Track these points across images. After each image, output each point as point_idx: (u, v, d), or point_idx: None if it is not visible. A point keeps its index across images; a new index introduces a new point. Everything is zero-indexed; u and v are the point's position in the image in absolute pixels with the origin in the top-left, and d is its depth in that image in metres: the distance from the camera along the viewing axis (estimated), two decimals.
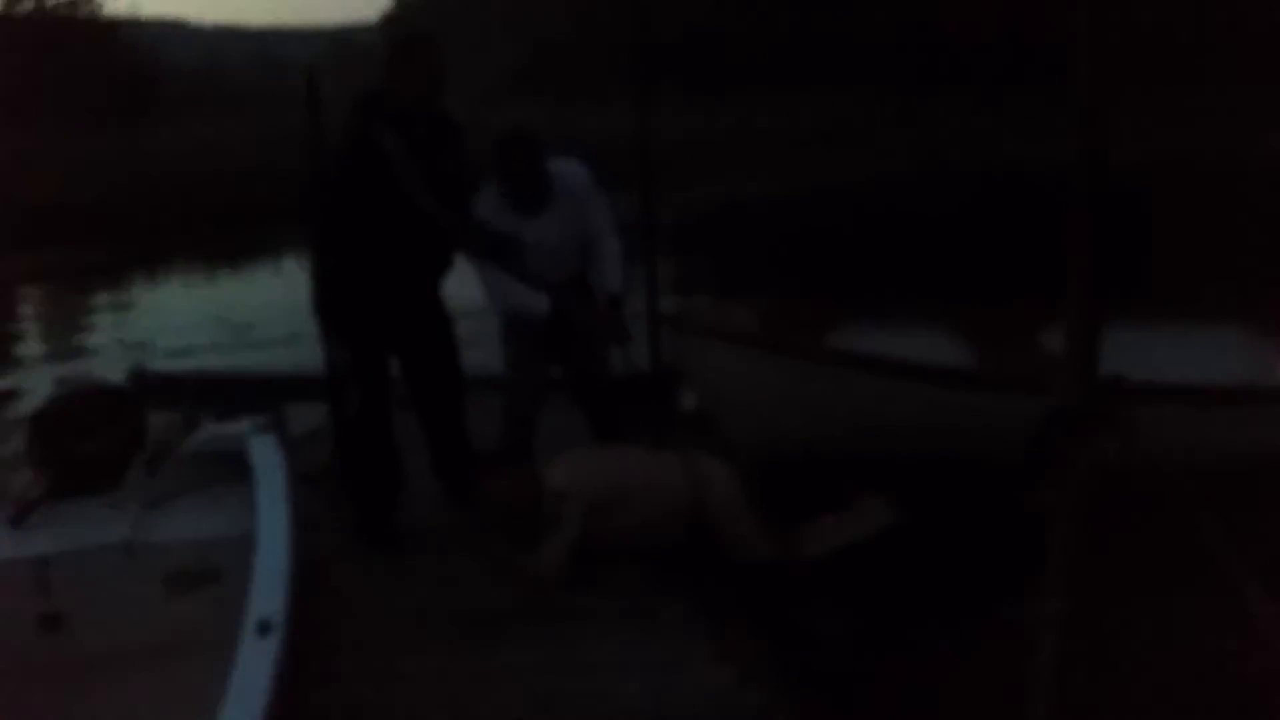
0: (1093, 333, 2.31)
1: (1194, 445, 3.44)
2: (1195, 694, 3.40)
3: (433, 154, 4.76)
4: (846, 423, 5.32)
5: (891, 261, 12.06)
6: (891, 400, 5.20)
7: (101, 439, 4.53)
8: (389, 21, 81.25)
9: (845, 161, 21.39)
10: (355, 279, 4.80)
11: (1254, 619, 2.34)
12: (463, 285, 5.23)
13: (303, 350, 6.75)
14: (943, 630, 4.22)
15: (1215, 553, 2.30)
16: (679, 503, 4.75)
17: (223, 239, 17.12)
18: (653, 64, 5.94)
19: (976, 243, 13.44)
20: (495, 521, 4.85)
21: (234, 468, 4.44)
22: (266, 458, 4.39)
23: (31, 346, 12.20)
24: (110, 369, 8.82)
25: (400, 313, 4.94)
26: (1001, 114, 26.82)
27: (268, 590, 3.40)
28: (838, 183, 19.81)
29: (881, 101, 28.43)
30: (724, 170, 21.21)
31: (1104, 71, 2.25)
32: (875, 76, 31.15)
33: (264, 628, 3.18)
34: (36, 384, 8.40)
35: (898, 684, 3.99)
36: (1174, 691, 3.40)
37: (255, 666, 3.01)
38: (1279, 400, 5.40)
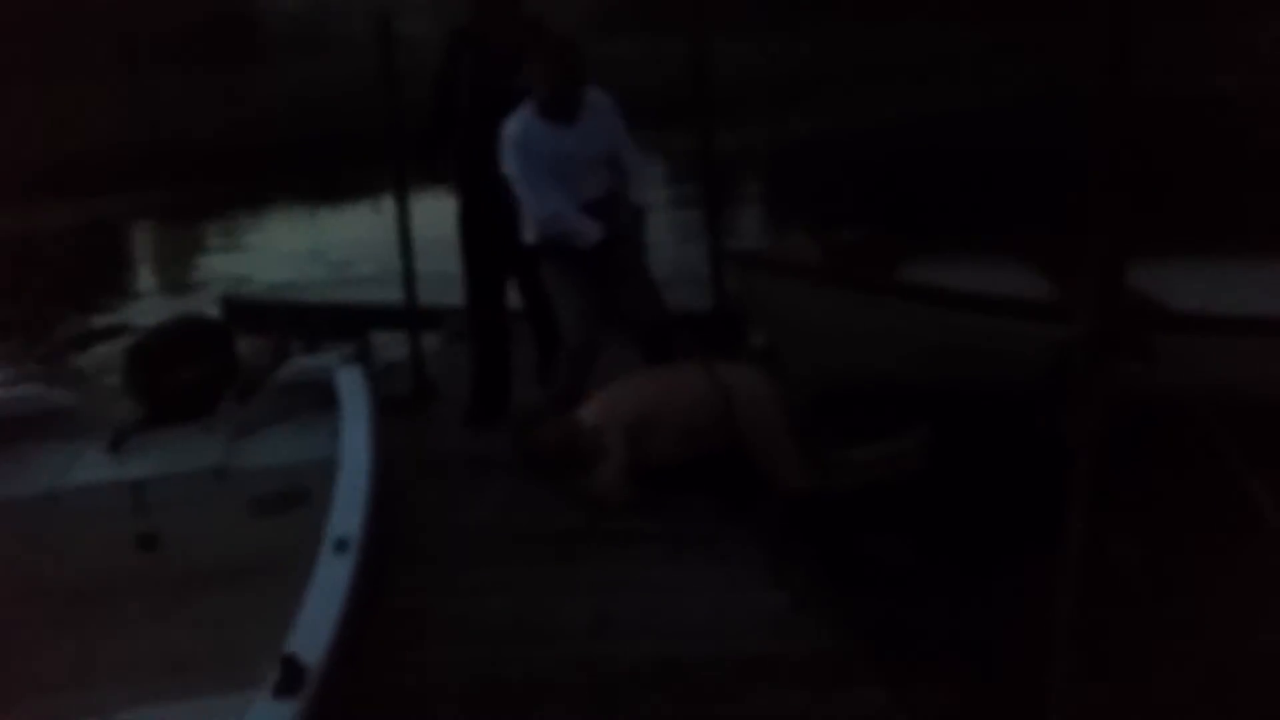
0: (1116, 258, 2.35)
1: (1225, 376, 3.40)
2: (1216, 620, 3.40)
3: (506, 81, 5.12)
4: (908, 354, 5.33)
5: (969, 194, 11.82)
6: (951, 331, 5.20)
7: (195, 369, 4.76)
8: None
9: (936, 93, 20.85)
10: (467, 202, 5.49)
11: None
12: None
13: (392, 284, 6.93)
14: (988, 566, 4.29)
15: (1237, 477, 2.35)
16: (711, 408, 4.81)
17: (324, 177, 17.39)
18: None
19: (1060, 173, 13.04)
20: (541, 472, 4.95)
21: (321, 397, 4.65)
22: (352, 387, 4.59)
23: (137, 280, 12.59)
24: (208, 302, 9.14)
25: (504, 233, 5.22)
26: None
27: (347, 510, 3.60)
28: (927, 115, 19.33)
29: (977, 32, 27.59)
30: (814, 101, 20.85)
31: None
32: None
33: (341, 545, 3.37)
34: (143, 317, 8.71)
35: (944, 614, 4.09)
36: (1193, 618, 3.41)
37: (331, 581, 3.21)
38: None
